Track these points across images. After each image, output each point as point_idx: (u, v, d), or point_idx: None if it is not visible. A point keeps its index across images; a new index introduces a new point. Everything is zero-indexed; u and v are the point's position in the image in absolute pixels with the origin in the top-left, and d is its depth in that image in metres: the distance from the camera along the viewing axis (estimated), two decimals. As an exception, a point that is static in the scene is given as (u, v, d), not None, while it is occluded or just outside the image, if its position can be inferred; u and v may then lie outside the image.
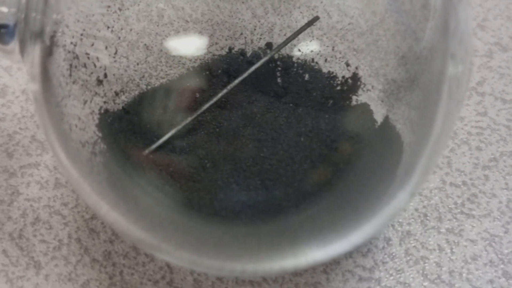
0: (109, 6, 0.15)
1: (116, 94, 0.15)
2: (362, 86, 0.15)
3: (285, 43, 0.15)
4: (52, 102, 0.14)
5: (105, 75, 0.15)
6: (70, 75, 0.14)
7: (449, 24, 0.14)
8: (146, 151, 0.15)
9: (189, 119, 0.15)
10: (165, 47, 0.16)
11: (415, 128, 0.15)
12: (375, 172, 0.15)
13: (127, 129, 0.15)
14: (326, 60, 0.16)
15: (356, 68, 0.16)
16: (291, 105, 0.16)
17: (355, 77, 0.16)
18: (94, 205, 0.14)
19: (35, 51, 0.14)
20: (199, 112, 0.15)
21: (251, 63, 0.16)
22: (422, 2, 0.15)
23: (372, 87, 0.15)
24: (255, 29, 0.16)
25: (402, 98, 0.15)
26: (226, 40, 0.16)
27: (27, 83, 0.19)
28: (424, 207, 0.17)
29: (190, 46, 0.16)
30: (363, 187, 0.15)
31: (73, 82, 0.14)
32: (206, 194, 0.14)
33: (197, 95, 0.16)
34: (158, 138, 0.15)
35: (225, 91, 0.15)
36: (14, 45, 0.14)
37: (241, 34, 0.16)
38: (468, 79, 0.15)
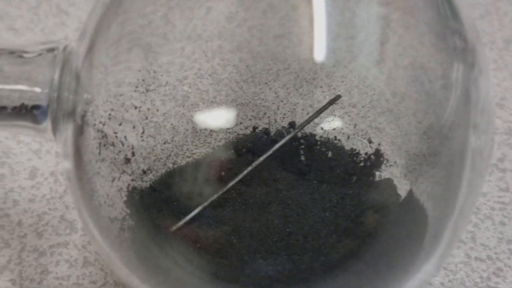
0: (136, 87, 0.15)
1: (144, 172, 0.15)
2: (385, 162, 0.16)
3: (308, 121, 0.16)
4: (83, 179, 0.14)
5: (133, 154, 0.15)
6: (99, 153, 0.14)
7: (471, 95, 0.14)
8: (173, 228, 0.14)
9: (215, 196, 0.15)
10: (191, 128, 0.17)
11: (439, 201, 0.15)
12: (401, 245, 0.15)
13: (155, 206, 0.15)
14: (348, 138, 0.16)
15: (379, 144, 0.16)
16: (315, 182, 0.16)
17: (377, 153, 0.16)
18: (126, 279, 0.14)
19: (68, 130, 0.14)
20: (225, 189, 0.15)
21: (275, 142, 0.16)
22: (443, 76, 0.15)
23: (395, 162, 0.15)
24: (278, 109, 0.17)
25: (426, 172, 0.15)
26: (250, 120, 0.17)
27: (56, 165, 0.19)
28: (450, 281, 0.17)
29: (215, 126, 0.17)
30: (389, 259, 0.15)
31: (102, 160, 0.14)
32: (234, 269, 0.14)
33: (223, 173, 0.16)
34: (185, 215, 0.15)
35: (250, 168, 0.15)
36: (46, 124, 0.15)
37: (265, 114, 0.17)
38: (491, 150, 0.15)
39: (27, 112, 0.14)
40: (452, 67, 0.15)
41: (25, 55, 0.15)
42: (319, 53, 0.16)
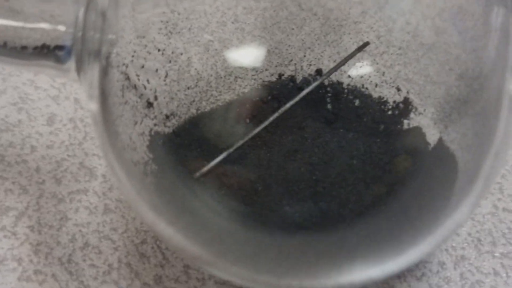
0: (160, 29, 0.15)
1: (167, 117, 0.15)
2: (413, 110, 0.15)
3: (335, 69, 0.15)
4: (109, 122, 0.14)
5: (155, 98, 0.15)
6: (123, 96, 0.14)
7: (510, 39, 0.13)
8: (197, 174, 0.14)
9: (240, 142, 0.15)
10: (215, 73, 0.16)
11: (471, 148, 0.14)
12: (431, 192, 0.15)
13: (178, 152, 0.15)
14: (376, 85, 0.16)
15: (407, 92, 0.15)
16: (342, 130, 0.15)
17: (406, 102, 0.15)
18: (151, 222, 0.13)
19: (94, 71, 0.14)
20: (250, 136, 0.15)
21: (301, 89, 0.16)
22: (483, 20, 0.14)
23: (424, 110, 0.15)
24: (304, 56, 0.16)
25: (456, 120, 0.15)
26: (276, 67, 0.16)
27: (75, 112, 0.18)
28: (477, 231, 0.16)
29: (240, 71, 0.16)
30: (419, 207, 0.15)
31: (125, 103, 0.14)
32: (260, 216, 0.14)
33: (248, 120, 0.15)
34: (209, 161, 0.14)
35: (276, 115, 0.15)
36: (70, 64, 0.14)
37: (291, 61, 0.16)
38: None
39: (49, 52, 0.14)
40: (492, 10, 0.14)
41: None
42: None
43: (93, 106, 0.13)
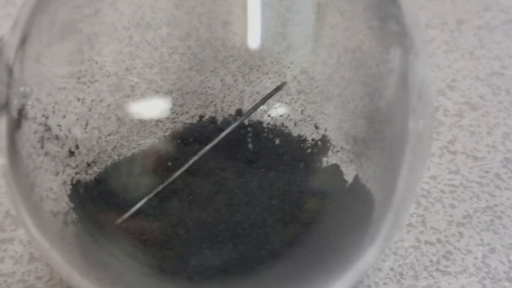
0: (79, 78, 0.15)
1: (88, 165, 0.15)
2: (331, 147, 0.16)
3: (254, 109, 0.16)
4: (21, 174, 0.14)
5: (77, 147, 0.15)
6: (42, 147, 0.14)
7: (408, 80, 0.14)
8: (119, 220, 0.14)
9: (161, 187, 0.15)
10: (136, 118, 0.17)
11: (383, 185, 0.15)
12: (346, 230, 0.15)
13: (100, 199, 0.15)
14: (295, 124, 0.16)
15: (325, 130, 0.16)
16: (262, 169, 0.16)
17: (324, 139, 0.16)
18: (66, 276, 0.14)
19: (1, 124, 0.14)
20: (170, 179, 0.15)
21: (222, 130, 0.16)
22: (382, 60, 0.15)
23: (341, 148, 0.16)
24: (224, 97, 0.17)
25: (371, 156, 0.15)
26: (196, 109, 0.17)
27: None
28: (399, 266, 0.17)
29: (160, 116, 0.17)
30: (335, 244, 0.15)
31: (45, 154, 0.14)
32: (180, 260, 0.14)
33: (169, 163, 0.16)
34: (131, 207, 0.15)
35: (196, 157, 0.15)
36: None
37: (211, 102, 0.17)
38: (431, 133, 0.16)
39: None
40: (390, 51, 0.15)
41: None
42: (265, 40, 0.16)
43: (2, 159, 0.14)
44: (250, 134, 0.16)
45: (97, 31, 0.16)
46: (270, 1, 0.15)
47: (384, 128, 0.15)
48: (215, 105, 0.17)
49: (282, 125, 0.16)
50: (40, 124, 0.14)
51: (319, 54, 0.16)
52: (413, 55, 0.14)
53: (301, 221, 0.15)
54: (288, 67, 0.16)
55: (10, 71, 0.14)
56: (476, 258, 0.17)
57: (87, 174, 0.15)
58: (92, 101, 0.15)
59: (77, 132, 0.15)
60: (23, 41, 0.14)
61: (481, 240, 0.17)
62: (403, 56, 0.15)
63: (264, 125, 0.16)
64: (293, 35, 0.16)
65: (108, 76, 0.16)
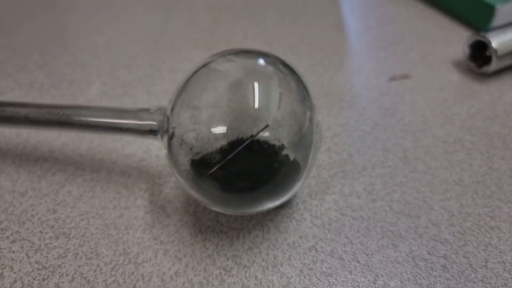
0: (192, 123, 0.26)
1: (197, 153, 0.26)
2: (285, 148, 0.26)
3: (256, 134, 0.27)
4: (173, 157, 0.27)
5: (193, 146, 0.26)
6: (180, 146, 0.27)
7: (313, 122, 0.27)
8: (209, 172, 0.26)
9: (228, 158, 0.26)
10: (213, 137, 0.27)
11: (303, 162, 0.28)
12: (289, 177, 0.28)
13: (201, 165, 0.27)
14: (271, 140, 0.27)
15: (282, 141, 0.27)
16: (260, 154, 0.27)
17: (282, 146, 0.27)
18: (190, 194, 0.29)
19: (165, 138, 0.28)
20: (228, 157, 0.26)
21: (244, 141, 0.27)
22: (305, 115, 0.28)
23: (288, 148, 0.27)
24: (242, 131, 0.27)
25: (299, 151, 0.27)
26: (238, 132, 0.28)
27: (159, 151, 0.43)
28: (310, 191, 0.43)
29: (225, 134, 0.27)
30: (284, 183, 0.28)
31: (181, 149, 0.27)
32: (234, 185, 0.27)
33: (228, 151, 0.26)
34: (213, 167, 0.26)
35: (239, 149, 0.26)
36: (159, 136, 0.30)
37: (241, 131, 0.27)
38: (321, 142, 0.35)
39: (153, 132, 0.30)
40: (307, 113, 0.27)
41: (150, 111, 0.30)
42: (258, 107, 0.26)
43: (165, 151, 0.28)
44: (256, 143, 0.26)
45: (197, 105, 0.27)
46: (258, 90, 0.26)
47: (304, 139, 0.27)
48: (242, 131, 0.26)
49: (267, 140, 0.26)
50: (179, 138, 0.26)
51: (280, 113, 0.26)
52: (314, 113, 0.27)
53: (273, 172, 0.26)
54: (266, 120, 0.26)
55: (167, 118, 0.27)
56: (337, 188, 0.43)
57: (196, 156, 0.26)
58: (198, 131, 0.26)
59: (193, 141, 0.26)
60: (172, 109, 0.27)
61: (339, 182, 0.44)
62: (311, 114, 0.27)
63: (260, 140, 0.26)
64: (270, 106, 0.26)
65: (201, 124, 0.26)
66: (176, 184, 0.37)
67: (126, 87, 0.50)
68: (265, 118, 0.27)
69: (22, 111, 0.37)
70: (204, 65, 0.29)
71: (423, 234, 0.37)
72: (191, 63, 0.50)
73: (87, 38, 0.61)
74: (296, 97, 0.28)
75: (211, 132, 0.27)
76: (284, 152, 0.27)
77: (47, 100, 0.49)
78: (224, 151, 0.27)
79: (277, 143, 0.27)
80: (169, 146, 0.28)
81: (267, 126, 0.27)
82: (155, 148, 0.44)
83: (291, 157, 0.27)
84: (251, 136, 0.26)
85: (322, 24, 0.64)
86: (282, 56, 0.53)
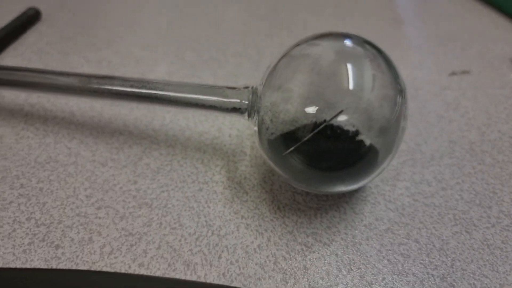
0: (285, 101, 0.28)
1: (272, 133, 0.29)
2: (360, 133, 0.27)
3: (332, 118, 0.27)
4: (261, 134, 0.30)
5: (268, 127, 0.29)
6: (272, 122, 0.29)
7: (402, 108, 0.28)
8: (285, 153, 0.28)
9: (305, 139, 0.27)
10: (291, 117, 0.28)
11: (385, 148, 0.28)
12: (370, 161, 0.28)
13: (278, 143, 0.29)
14: (345, 124, 0.27)
15: (357, 127, 0.27)
16: (335, 140, 0.27)
17: (357, 131, 0.27)
18: (274, 169, 0.31)
19: (255, 117, 0.30)
20: (306, 138, 0.27)
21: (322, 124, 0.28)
22: (395, 100, 0.28)
23: (363, 133, 0.27)
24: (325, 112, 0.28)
25: (378, 137, 0.27)
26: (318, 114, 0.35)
27: (230, 130, 0.45)
28: (382, 177, 0.44)
29: (306, 115, 0.27)
30: (368, 166, 0.29)
31: (263, 127, 0.30)
32: (314, 164, 0.28)
33: (307, 133, 0.27)
34: (290, 147, 0.28)
35: (316, 130, 0.27)
36: (246, 114, 0.31)
37: (322, 113, 0.27)
38: (405, 129, 0.39)
39: (239, 110, 0.32)
40: (397, 97, 0.27)
41: (236, 88, 0.32)
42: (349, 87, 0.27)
43: (255, 128, 0.31)
44: (331, 127, 0.27)
45: (282, 85, 0.28)
46: (351, 70, 0.27)
47: (393, 124, 0.27)
48: (321, 115, 0.27)
49: (341, 126, 0.27)
50: (261, 118, 0.29)
51: (374, 95, 0.26)
52: (405, 100, 0.28)
53: (354, 157, 0.28)
54: (361, 103, 0.26)
55: (259, 98, 0.29)
56: (408, 175, 0.44)
57: (272, 136, 0.28)
58: (275, 111, 0.28)
59: (269, 122, 0.28)
60: (263, 89, 0.29)
61: (409, 170, 0.44)
62: (401, 100, 0.27)
63: (334, 124, 0.26)
64: (364, 88, 0.26)
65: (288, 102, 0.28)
66: (251, 162, 0.39)
67: (192, 68, 0.51)
68: (356, 101, 0.27)
69: (109, 83, 0.38)
70: (294, 48, 0.30)
71: (496, 224, 0.38)
72: (255, 49, 0.53)
73: (150, 19, 0.62)
74: (388, 79, 0.28)
75: (288, 112, 0.27)
76: (359, 137, 0.27)
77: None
78: (301, 133, 0.28)
79: (351, 128, 0.27)
80: (257, 125, 0.30)
81: (341, 111, 0.26)
82: (227, 127, 0.45)
83: (367, 143, 0.27)
84: (325, 121, 0.27)
85: (379, 17, 0.64)
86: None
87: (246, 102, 0.32)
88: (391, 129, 0.28)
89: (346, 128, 0.27)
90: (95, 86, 0.38)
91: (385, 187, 0.40)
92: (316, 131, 0.27)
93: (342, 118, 0.27)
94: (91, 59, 0.53)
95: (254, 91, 0.32)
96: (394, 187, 0.40)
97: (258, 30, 0.59)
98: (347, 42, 0.29)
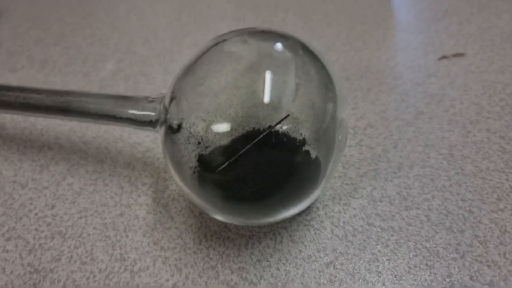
0: (205, 112, 0.25)
1: (206, 147, 0.25)
2: (307, 143, 0.25)
3: (275, 125, 0.25)
4: (175, 152, 0.26)
5: (201, 139, 0.25)
6: (188, 140, 0.25)
7: (336, 114, 0.26)
8: (218, 170, 0.24)
9: (233, 158, 0.24)
10: (226, 128, 0.25)
11: (324, 161, 0.26)
12: (309, 180, 0.26)
13: (209, 161, 0.25)
14: (292, 132, 0.25)
15: (304, 135, 0.25)
16: (277, 151, 0.25)
17: (304, 140, 0.25)
18: (189, 197, 0.27)
19: (162, 130, 0.27)
20: (236, 156, 0.24)
21: (261, 132, 0.25)
22: (325, 108, 0.26)
23: (310, 144, 0.25)
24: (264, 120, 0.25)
25: (321, 148, 0.25)
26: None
27: (152, 143, 0.39)
28: (334, 194, 0.37)
29: (236, 128, 0.25)
30: (305, 187, 0.26)
31: (189, 143, 0.25)
32: (238, 191, 0.25)
33: (239, 146, 0.25)
34: (221, 165, 0.25)
35: (248, 146, 0.24)
36: (157, 128, 0.28)
37: (257, 123, 0.25)
38: (346, 138, 0.30)
39: (150, 124, 0.29)
40: (328, 105, 0.25)
41: (149, 99, 0.29)
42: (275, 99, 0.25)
43: (162, 147, 0.27)
44: (274, 135, 0.24)
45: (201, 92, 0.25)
46: (270, 81, 0.24)
47: (325, 136, 0.25)
48: (259, 123, 0.25)
49: (288, 132, 0.24)
50: (187, 131, 0.25)
51: (296, 105, 0.25)
52: (339, 106, 0.26)
53: (291, 175, 0.25)
54: (288, 111, 0.25)
55: (166, 110, 0.26)
56: (367, 191, 0.36)
57: (205, 151, 0.24)
58: (209, 121, 0.24)
59: (203, 134, 0.24)
60: (174, 94, 0.25)
61: (370, 184, 0.37)
62: (333, 105, 0.25)
63: (280, 132, 0.24)
64: (284, 96, 0.25)
65: (212, 111, 0.25)
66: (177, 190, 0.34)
67: (142, 64, 0.46)
68: (278, 110, 0.24)
69: (21, 96, 0.34)
70: (216, 44, 0.27)
71: (466, 253, 0.31)
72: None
73: (108, 9, 0.57)
74: (316, 88, 0.26)
75: (223, 123, 0.25)
76: (306, 148, 0.25)
77: (57, 79, 0.45)
78: (236, 145, 0.25)
79: (298, 136, 0.25)
80: (170, 140, 0.26)
81: (287, 116, 0.24)
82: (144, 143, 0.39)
83: (313, 155, 0.25)
84: (269, 126, 0.24)
85: (367, -10, 0.56)
86: (317, 29, 0.47)
87: (157, 116, 0.29)
88: (321, 141, 0.26)
89: (293, 135, 0.25)
90: (5, 99, 0.35)
91: (335, 207, 0.33)
92: (260, 137, 0.24)
93: (288, 125, 0.25)
94: (36, 58, 0.48)
95: (176, 99, 0.27)
96: (347, 207, 0.33)
97: (224, 14, 0.53)
98: (278, 45, 0.27)
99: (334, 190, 0.34)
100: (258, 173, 0.25)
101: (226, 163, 0.25)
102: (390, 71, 0.44)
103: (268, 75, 0.25)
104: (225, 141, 0.25)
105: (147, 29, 0.50)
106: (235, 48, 0.26)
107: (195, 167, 0.26)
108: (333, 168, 0.27)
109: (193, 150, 0.26)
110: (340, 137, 0.27)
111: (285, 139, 0.25)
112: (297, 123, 0.25)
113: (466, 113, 0.41)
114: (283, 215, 0.28)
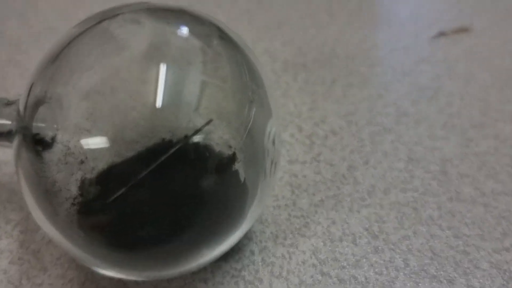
0: (87, 118, 0.24)
1: (93, 168, 0.25)
2: (237, 160, 0.26)
3: (193, 134, 0.25)
4: (41, 177, 0.25)
5: (86, 157, 0.24)
6: (65, 159, 0.25)
7: (259, 124, 0.27)
8: (109, 200, 0.25)
9: (130, 184, 0.24)
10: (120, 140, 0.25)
11: (253, 186, 0.28)
12: (234, 209, 0.28)
13: (97, 188, 0.25)
14: (217, 144, 0.26)
15: (234, 149, 0.26)
16: (190, 173, 0.26)
17: (234, 155, 0.26)
18: (58, 241, 0.27)
19: (15, 144, 0.27)
20: (135, 181, 0.25)
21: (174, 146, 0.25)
22: (241, 115, 0.27)
23: (240, 161, 0.27)
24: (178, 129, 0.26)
25: (250, 167, 0.27)
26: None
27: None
28: (276, 231, 0.33)
29: (136, 140, 0.25)
30: (228, 218, 0.28)
31: (66, 163, 0.25)
32: (126, 234, 0.26)
33: (138, 167, 0.25)
34: (115, 193, 0.25)
35: (152, 167, 0.25)
36: (15, 142, 0.28)
37: (170, 132, 0.26)
38: (280, 155, 0.29)
39: (8, 135, 0.30)
40: (245, 109, 0.26)
41: (7, 101, 0.31)
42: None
43: (16, 169, 0.27)
44: (192, 149, 0.25)
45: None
46: (169, 77, 0.25)
47: (248, 154, 0.27)
48: (173, 133, 0.25)
49: (210, 145, 0.25)
50: (64, 146, 0.24)
51: (201, 112, 0.26)
52: (265, 115, 0.27)
53: (211, 204, 0.26)
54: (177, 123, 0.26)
55: (21, 117, 0.27)
56: (323, 227, 0.34)
57: (91, 174, 0.24)
58: (94, 132, 0.25)
59: (87, 149, 0.24)
60: (41, 96, 0.26)
61: (328, 216, 0.35)
62: (254, 111, 0.27)
63: (199, 144, 0.25)
64: (183, 101, 0.26)
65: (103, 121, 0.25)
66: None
67: (14, 48, 0.46)
68: (172, 121, 0.25)
69: None
70: (99, 22, 0.28)
71: (456, 313, 0.31)
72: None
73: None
74: (230, 89, 0.27)
75: (116, 134, 0.25)
76: (235, 167, 0.26)
77: None
78: (136, 164, 0.25)
79: (226, 150, 0.26)
80: (33, 160, 0.27)
81: (210, 121, 0.26)
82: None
83: (242, 177, 0.27)
84: (186, 137, 0.25)
85: None
86: None
87: (14, 123, 0.30)
88: (246, 160, 0.27)
89: (218, 149, 0.26)
90: None
91: (277, 250, 0.34)
92: (169, 153, 0.25)
93: (212, 135, 0.26)
94: None
95: (44, 99, 0.27)
96: (294, 250, 0.33)
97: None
98: (183, 30, 0.28)
99: (277, 225, 0.34)
100: (166, 204, 0.25)
101: (124, 188, 0.25)
102: (365, 56, 0.44)
103: (160, 70, 0.26)
104: (120, 158, 0.25)
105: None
106: (121, 30, 0.27)
107: (75, 198, 0.26)
108: (263, 194, 0.29)
109: (72, 174, 0.26)
110: (269, 154, 0.28)
111: (207, 153, 0.26)
112: (223, 132, 0.26)
113: (468, 114, 0.41)
114: (198, 262, 0.28)
